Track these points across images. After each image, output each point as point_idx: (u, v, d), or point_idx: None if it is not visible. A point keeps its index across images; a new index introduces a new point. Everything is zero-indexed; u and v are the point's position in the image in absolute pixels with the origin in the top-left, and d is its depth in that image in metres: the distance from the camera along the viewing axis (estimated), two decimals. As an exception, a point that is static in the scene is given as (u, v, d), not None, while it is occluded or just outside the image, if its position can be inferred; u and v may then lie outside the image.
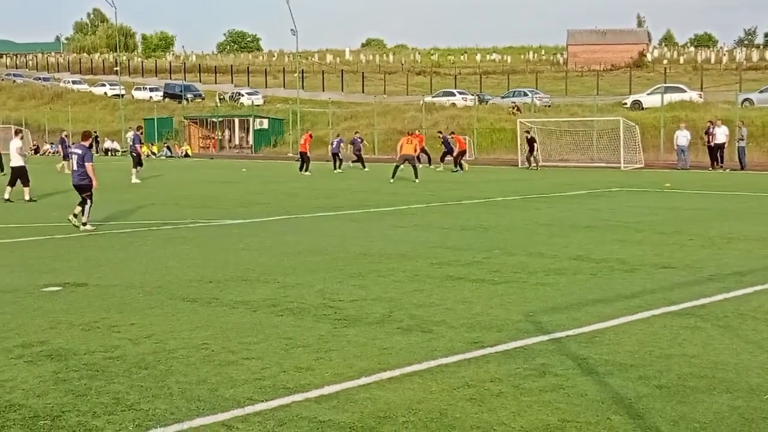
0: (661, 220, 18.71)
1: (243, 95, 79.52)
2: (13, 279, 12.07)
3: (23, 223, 19.44)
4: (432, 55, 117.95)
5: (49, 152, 71.16)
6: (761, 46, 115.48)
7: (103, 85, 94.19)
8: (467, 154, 43.26)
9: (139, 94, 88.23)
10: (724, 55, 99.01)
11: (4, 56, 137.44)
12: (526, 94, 63.26)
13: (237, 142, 70.14)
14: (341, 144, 43.24)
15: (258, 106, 76.01)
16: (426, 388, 6.89)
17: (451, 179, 34.34)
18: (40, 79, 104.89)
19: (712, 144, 39.02)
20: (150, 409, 6.46)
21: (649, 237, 15.79)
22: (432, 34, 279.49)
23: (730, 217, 19.29)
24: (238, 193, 27.75)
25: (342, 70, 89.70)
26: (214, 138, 70.48)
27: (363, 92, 78.35)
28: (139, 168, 34.39)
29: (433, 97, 67.14)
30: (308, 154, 40.32)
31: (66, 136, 49.01)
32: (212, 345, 8.28)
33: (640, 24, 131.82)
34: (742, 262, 12.89)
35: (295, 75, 79.24)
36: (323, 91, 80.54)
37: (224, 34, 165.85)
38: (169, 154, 63.73)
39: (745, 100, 51.98)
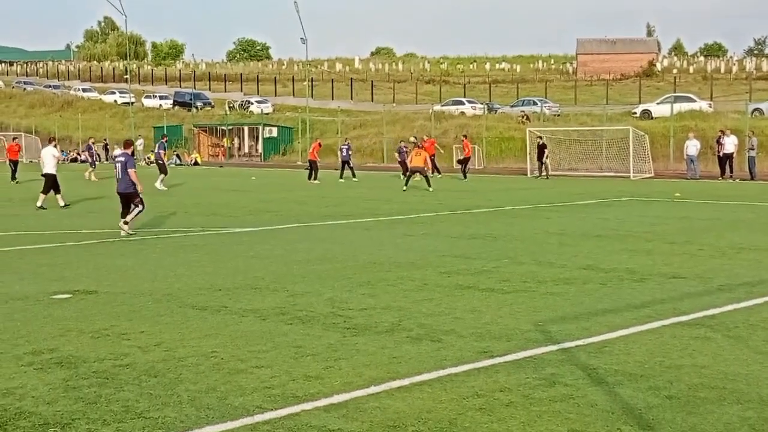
0: (671, 229, 18.67)
1: (252, 103, 79.72)
2: (23, 286, 12.10)
3: (34, 230, 19.49)
4: (441, 63, 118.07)
5: (60, 159, 71.33)
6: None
7: (113, 93, 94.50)
8: (470, 162, 43.33)
9: (148, 102, 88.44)
10: (734, 64, 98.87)
11: (15, 64, 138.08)
12: (535, 103, 63.26)
13: (246, 150, 70.28)
14: (350, 150, 43.12)
15: (267, 114, 76.23)
16: (435, 397, 6.88)
17: (461, 188, 34.31)
18: (50, 86, 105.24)
19: (721, 153, 38.97)
20: (159, 417, 6.47)
21: (658, 246, 15.75)
22: (441, 43, 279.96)
23: (741, 227, 19.23)
24: (248, 201, 27.78)
25: (351, 78, 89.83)
26: (223, 146, 70.62)
27: (372, 101, 78.43)
28: (163, 176, 34.46)
29: (442, 105, 67.21)
30: (317, 162, 40.41)
31: (93, 143, 49.25)
32: (221, 353, 8.29)
33: (649, 33, 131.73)
34: (752, 272, 12.85)
35: (305, 83, 79.38)
36: (332, 99, 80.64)
37: (234, 43, 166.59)
38: (178, 162, 63.85)
39: (755, 109, 51.88)
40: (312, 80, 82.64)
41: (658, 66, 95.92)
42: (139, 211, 18.13)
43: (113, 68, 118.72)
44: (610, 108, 57.26)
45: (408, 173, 32.99)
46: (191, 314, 10.10)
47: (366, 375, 7.51)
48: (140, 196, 18.03)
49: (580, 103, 69.04)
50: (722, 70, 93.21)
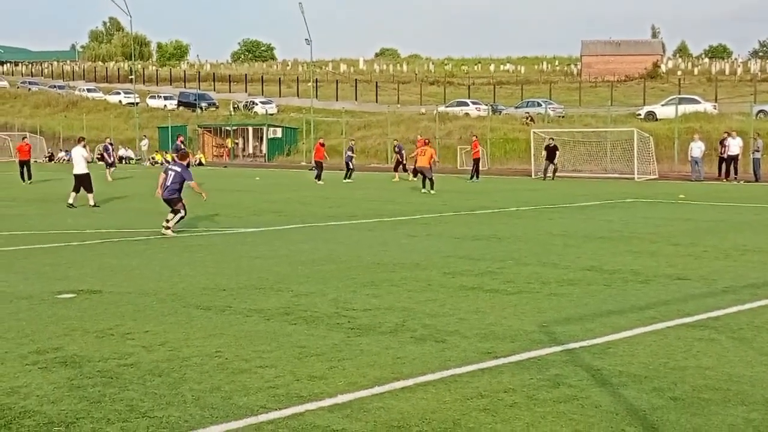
0: (676, 231, 18.65)
1: (257, 104, 79.75)
2: (28, 286, 12.11)
3: (38, 230, 19.52)
4: (446, 65, 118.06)
5: (63, 160, 71.46)
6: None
7: (118, 93, 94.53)
8: (480, 163, 42.94)
9: (153, 103, 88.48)
10: (739, 66, 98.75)
11: (20, 64, 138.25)
12: (539, 105, 63.24)
13: (251, 150, 70.30)
14: (352, 151, 43.05)
15: (272, 115, 76.29)
16: (439, 398, 6.88)
17: (466, 189, 34.30)
18: (55, 87, 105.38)
19: (725, 155, 38.94)
20: (164, 416, 6.47)
21: (663, 248, 15.74)
22: (446, 44, 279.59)
23: (746, 228, 19.21)
24: (252, 202, 27.79)
25: (356, 79, 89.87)
26: (227, 146, 70.66)
27: (376, 102, 78.49)
28: None
29: (446, 107, 67.22)
30: (323, 162, 40.44)
31: (111, 143, 48.35)
32: (226, 353, 8.29)
33: (654, 35, 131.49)
34: (757, 273, 12.84)
35: (309, 84, 79.40)
36: (337, 100, 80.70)
37: (238, 44, 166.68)
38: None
39: (760, 111, 51.80)
40: (316, 81, 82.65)
41: (663, 68, 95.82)
42: (181, 217, 18.52)
43: (118, 69, 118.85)
44: (615, 110, 57.20)
45: (414, 173, 32.86)
46: (195, 314, 10.11)
47: (370, 375, 7.51)
48: (182, 202, 18.55)
49: (585, 105, 69.01)
50: (727, 72, 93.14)
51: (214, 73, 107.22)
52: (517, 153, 52.32)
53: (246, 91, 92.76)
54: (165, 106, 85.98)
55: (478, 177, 40.63)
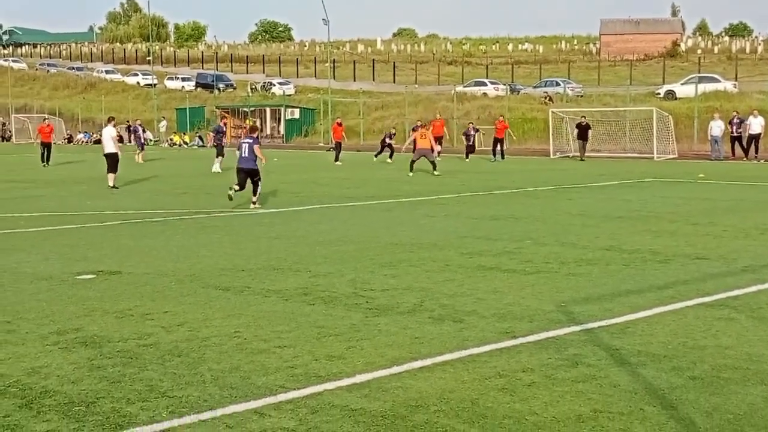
0: (695, 210, 18.56)
1: (275, 85, 79.75)
2: (47, 266, 12.19)
3: (57, 211, 19.61)
4: (463, 44, 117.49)
5: (82, 141, 71.78)
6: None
7: (136, 74, 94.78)
8: (503, 143, 42.34)
9: (171, 84, 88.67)
10: (760, 44, 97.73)
11: (39, 46, 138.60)
12: (558, 84, 63.00)
13: (268, 131, 70.33)
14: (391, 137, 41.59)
15: (289, 95, 76.27)
16: (458, 377, 6.89)
17: (485, 169, 34.22)
18: (73, 68, 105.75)
19: (736, 134, 38.85)
20: (183, 396, 6.51)
21: (682, 228, 15.67)
22: (463, 23, 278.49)
23: (765, 208, 19.10)
24: (270, 183, 27.78)
25: (373, 59, 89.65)
26: (245, 127, 70.66)
27: (394, 82, 78.30)
28: (221, 158, 34.36)
29: (464, 86, 67.01)
30: (342, 142, 40.34)
31: (140, 124, 47.80)
32: (245, 333, 8.32)
33: (674, 13, 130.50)
34: (777, 253, 12.76)
35: (327, 65, 79.23)
36: (354, 80, 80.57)
37: (256, 24, 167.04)
38: (201, 143, 63.98)
39: (781, 89, 51.43)
40: (334, 62, 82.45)
41: (683, 46, 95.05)
42: (260, 189, 20.14)
43: (136, 50, 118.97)
44: (634, 89, 56.88)
45: (412, 158, 31.45)
46: (214, 294, 10.15)
47: (388, 355, 7.53)
48: (260, 173, 20.04)
49: (604, 84, 68.61)
50: (747, 50, 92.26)
51: (231, 54, 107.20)
52: (535, 132, 52.13)
53: (263, 72, 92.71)
54: (183, 87, 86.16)
55: (503, 157, 40.48)
